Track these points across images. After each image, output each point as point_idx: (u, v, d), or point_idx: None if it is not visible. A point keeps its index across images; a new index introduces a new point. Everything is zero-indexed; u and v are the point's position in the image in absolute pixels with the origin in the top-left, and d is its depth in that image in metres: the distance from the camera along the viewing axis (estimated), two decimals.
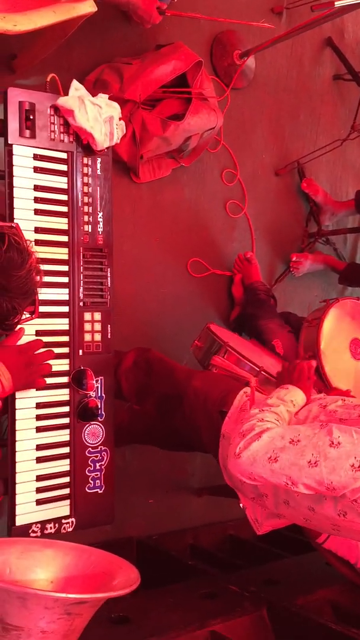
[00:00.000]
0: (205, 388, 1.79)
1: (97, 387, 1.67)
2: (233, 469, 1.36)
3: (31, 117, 1.58)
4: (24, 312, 1.40)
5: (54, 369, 1.58)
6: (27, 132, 1.58)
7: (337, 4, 2.22)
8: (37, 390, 1.58)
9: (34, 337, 1.57)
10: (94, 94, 1.67)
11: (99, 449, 1.68)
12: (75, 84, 1.64)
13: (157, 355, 2.02)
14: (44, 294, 1.59)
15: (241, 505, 1.67)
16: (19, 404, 1.55)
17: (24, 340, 1.54)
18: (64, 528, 1.62)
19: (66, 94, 1.63)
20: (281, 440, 1.33)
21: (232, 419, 1.65)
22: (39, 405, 1.58)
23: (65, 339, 1.63)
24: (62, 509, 1.62)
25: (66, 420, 1.63)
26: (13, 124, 1.56)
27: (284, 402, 1.51)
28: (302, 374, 1.63)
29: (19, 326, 1.52)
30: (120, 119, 1.70)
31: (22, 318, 1.42)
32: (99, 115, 1.64)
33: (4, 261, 1.23)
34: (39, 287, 1.41)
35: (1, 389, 1.42)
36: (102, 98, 1.67)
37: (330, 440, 1.28)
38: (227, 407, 1.68)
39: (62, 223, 1.64)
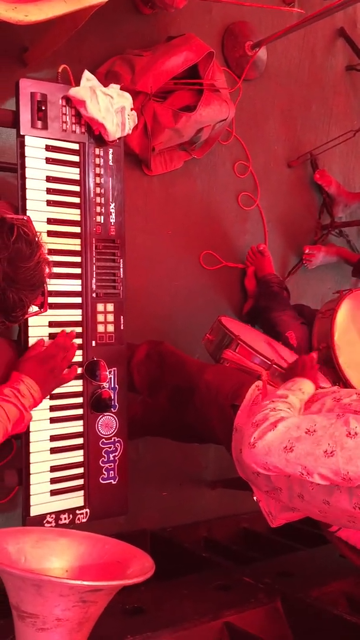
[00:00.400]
0: (217, 381, 1.78)
1: (110, 378, 1.67)
2: (248, 459, 1.35)
3: (43, 108, 1.58)
4: (33, 306, 1.40)
5: None
6: (39, 123, 1.58)
7: None
8: None
9: (47, 329, 1.57)
10: (105, 86, 1.67)
11: (112, 439, 1.68)
12: (86, 74, 1.64)
13: (170, 348, 2.01)
14: (56, 285, 1.59)
15: (255, 498, 1.67)
16: None
17: (34, 331, 1.55)
18: (78, 519, 1.62)
19: (78, 84, 1.63)
20: (297, 430, 1.31)
21: (245, 412, 1.65)
22: (52, 396, 1.58)
23: (78, 330, 1.63)
24: (76, 499, 1.62)
25: (80, 412, 1.63)
26: (25, 115, 1.56)
27: (292, 392, 1.51)
28: (305, 366, 1.67)
29: (35, 337, 1.53)
30: (131, 109, 1.70)
31: (31, 312, 1.41)
32: (110, 106, 1.63)
33: (12, 252, 1.22)
34: (49, 280, 1.40)
35: (33, 402, 1.43)
36: (114, 88, 1.66)
37: (347, 431, 1.27)
38: (239, 400, 1.67)
39: (74, 214, 1.64)
